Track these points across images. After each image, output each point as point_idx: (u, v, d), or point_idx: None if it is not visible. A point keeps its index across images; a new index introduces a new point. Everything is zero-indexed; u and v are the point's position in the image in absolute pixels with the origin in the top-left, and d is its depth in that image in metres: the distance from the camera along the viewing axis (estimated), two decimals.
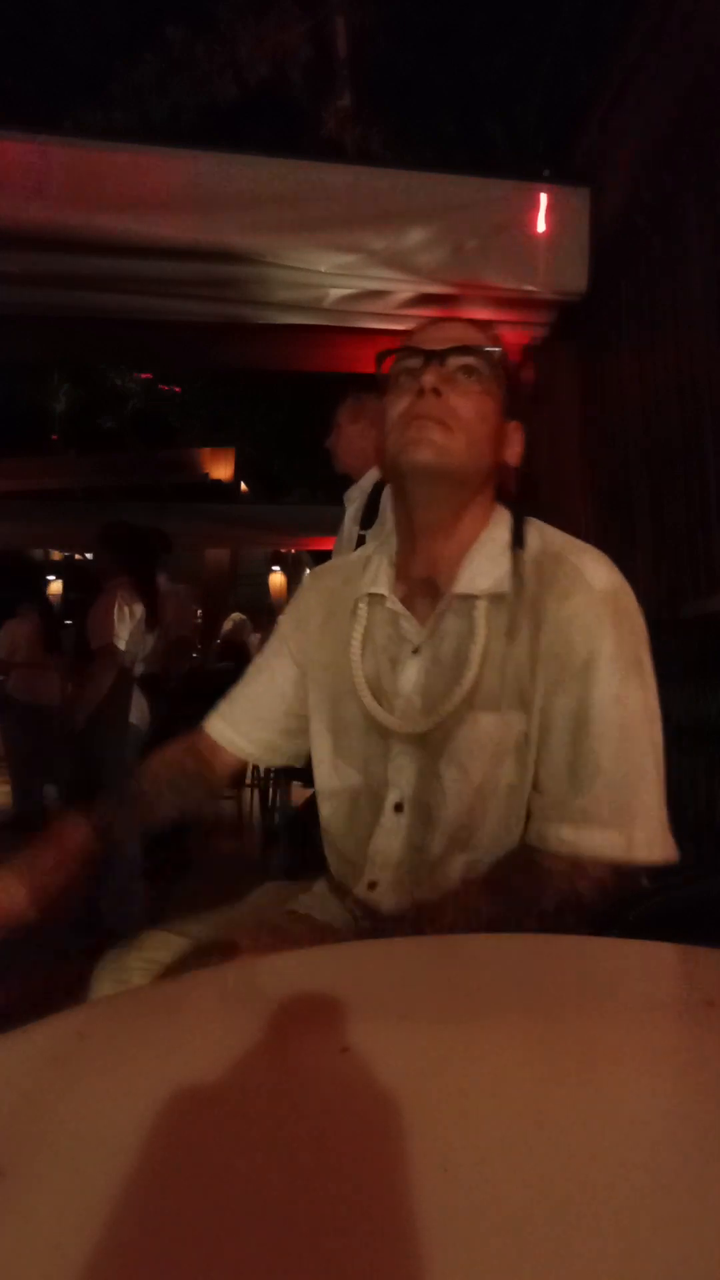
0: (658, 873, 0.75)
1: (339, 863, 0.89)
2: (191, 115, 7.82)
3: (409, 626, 0.80)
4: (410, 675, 0.79)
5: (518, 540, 0.78)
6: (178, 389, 12.06)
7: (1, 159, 2.24)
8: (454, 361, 0.77)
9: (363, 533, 2.08)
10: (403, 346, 0.79)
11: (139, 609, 2.66)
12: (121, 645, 2.56)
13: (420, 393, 0.75)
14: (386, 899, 0.81)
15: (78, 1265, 0.28)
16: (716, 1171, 0.32)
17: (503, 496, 0.84)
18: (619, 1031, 0.45)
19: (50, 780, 4.33)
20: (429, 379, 0.75)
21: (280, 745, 0.94)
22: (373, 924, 0.83)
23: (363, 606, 0.83)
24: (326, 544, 2.22)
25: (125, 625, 2.59)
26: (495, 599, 0.76)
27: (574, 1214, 0.29)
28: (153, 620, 2.76)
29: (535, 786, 0.75)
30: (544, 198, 2.56)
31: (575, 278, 2.58)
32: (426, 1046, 0.43)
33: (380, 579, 0.83)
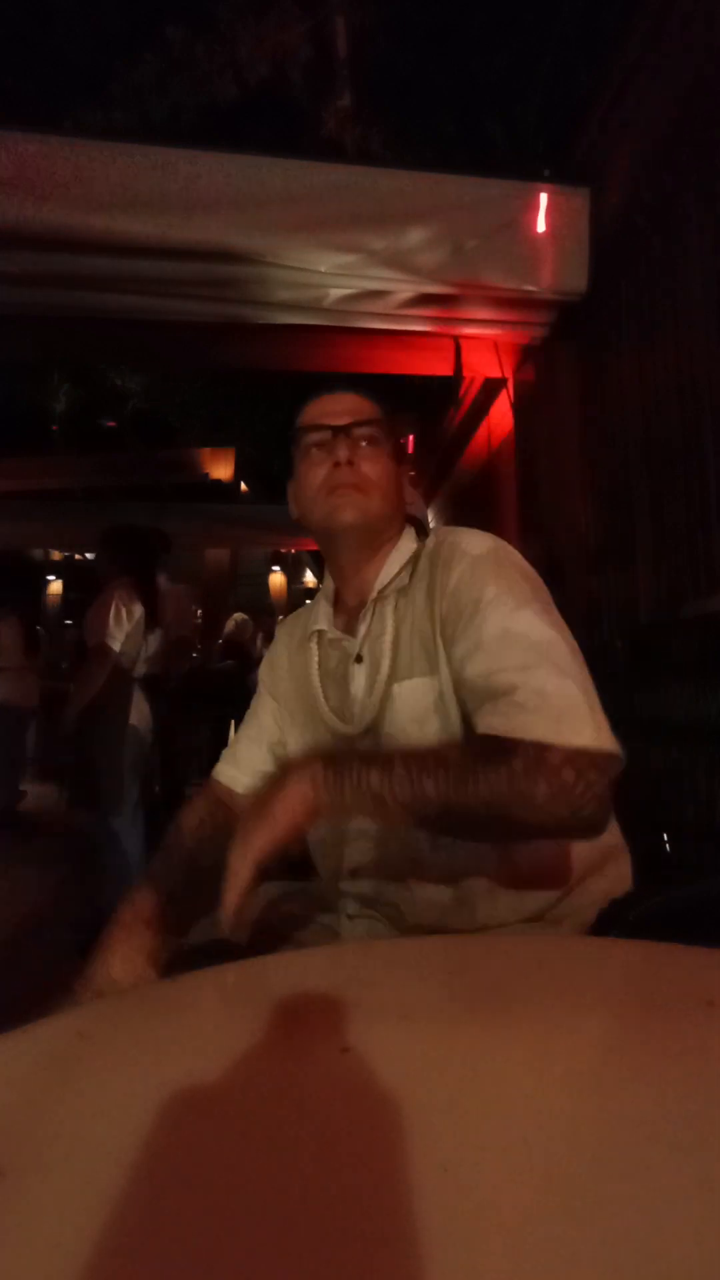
0: (658, 873, 0.75)
1: (324, 861, 0.94)
2: (191, 115, 7.81)
3: (348, 644, 0.91)
4: (359, 682, 0.89)
5: (419, 538, 0.92)
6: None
7: (1, 159, 2.24)
8: (358, 433, 0.89)
9: None
10: (310, 424, 0.91)
11: (138, 609, 2.66)
12: (116, 645, 2.55)
13: (336, 464, 0.88)
14: (368, 878, 0.87)
15: (78, 1265, 0.28)
16: (717, 1171, 0.32)
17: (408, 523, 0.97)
18: (619, 1031, 0.45)
19: (52, 779, 4.39)
20: (343, 453, 0.88)
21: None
22: (361, 906, 0.87)
23: (313, 644, 0.96)
24: None
25: (122, 626, 2.59)
26: (401, 591, 0.89)
27: (574, 1214, 0.29)
28: (153, 621, 2.76)
29: (467, 723, 0.78)
30: (544, 198, 2.56)
31: (575, 278, 2.58)
32: (426, 1047, 0.43)
33: (321, 617, 0.96)
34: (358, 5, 7.57)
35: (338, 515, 0.88)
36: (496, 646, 0.75)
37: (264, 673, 1.07)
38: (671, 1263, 0.27)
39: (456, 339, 3.04)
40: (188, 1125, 0.36)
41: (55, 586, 10.37)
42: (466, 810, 0.68)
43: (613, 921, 0.76)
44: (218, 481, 7.74)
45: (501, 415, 3.75)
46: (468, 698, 0.78)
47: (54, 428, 12.30)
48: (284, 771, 0.71)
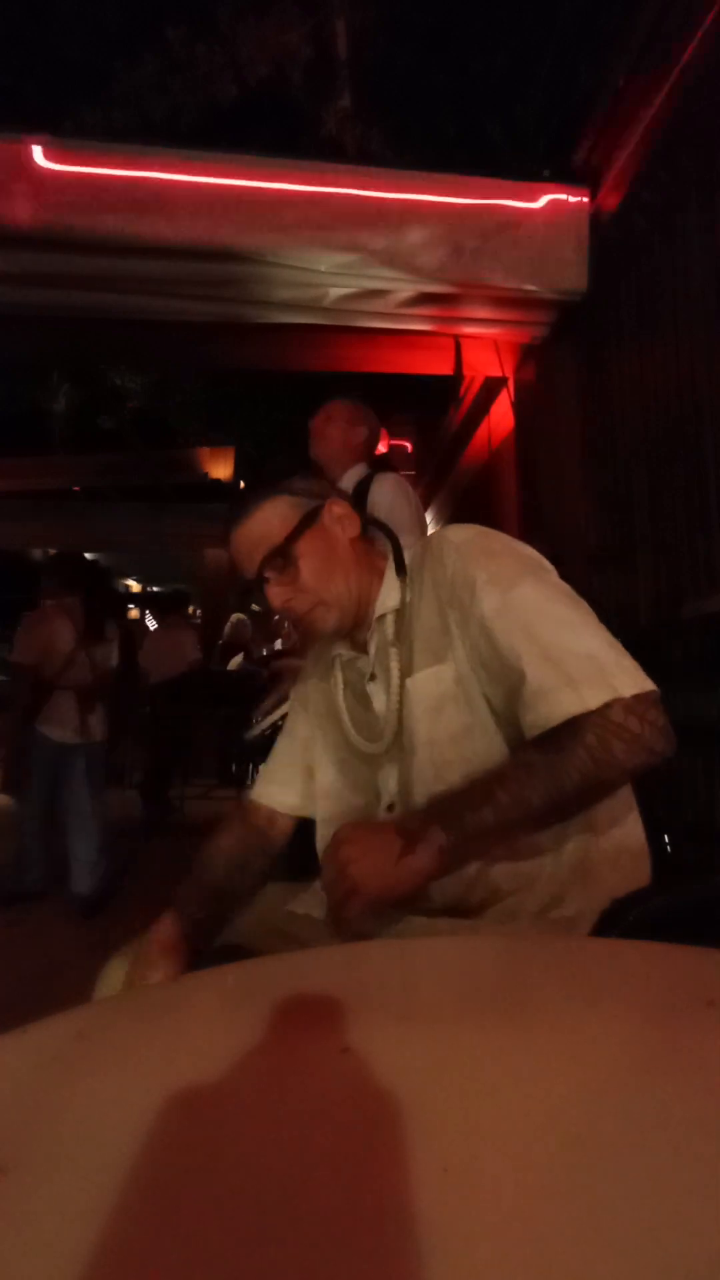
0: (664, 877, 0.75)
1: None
2: (191, 115, 7.81)
3: (363, 663, 0.94)
4: (379, 698, 0.90)
5: (399, 562, 0.92)
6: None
7: (2, 159, 2.24)
8: (270, 574, 0.87)
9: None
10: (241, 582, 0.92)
11: (62, 626, 2.91)
12: (23, 660, 2.86)
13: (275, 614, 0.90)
14: None
15: (78, 1265, 0.28)
16: (717, 1172, 0.32)
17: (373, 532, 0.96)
18: (619, 1032, 0.45)
19: None
20: (274, 601, 0.88)
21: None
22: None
23: (337, 668, 0.98)
24: None
25: (30, 643, 2.88)
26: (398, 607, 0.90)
27: (574, 1215, 0.29)
28: (92, 637, 3.00)
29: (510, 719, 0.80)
30: (544, 198, 2.56)
31: (575, 278, 2.59)
32: (426, 1047, 0.43)
33: (339, 641, 0.97)
34: (358, 5, 7.57)
35: (314, 640, 0.97)
36: (499, 625, 0.77)
37: (297, 692, 1.08)
38: (672, 1264, 0.27)
39: (457, 338, 3.05)
40: (187, 1125, 0.36)
41: None
42: (567, 801, 0.72)
43: (613, 921, 0.76)
44: (218, 481, 7.75)
45: (502, 415, 3.75)
46: (498, 686, 0.79)
47: (54, 425, 12.32)
48: (403, 834, 0.71)
